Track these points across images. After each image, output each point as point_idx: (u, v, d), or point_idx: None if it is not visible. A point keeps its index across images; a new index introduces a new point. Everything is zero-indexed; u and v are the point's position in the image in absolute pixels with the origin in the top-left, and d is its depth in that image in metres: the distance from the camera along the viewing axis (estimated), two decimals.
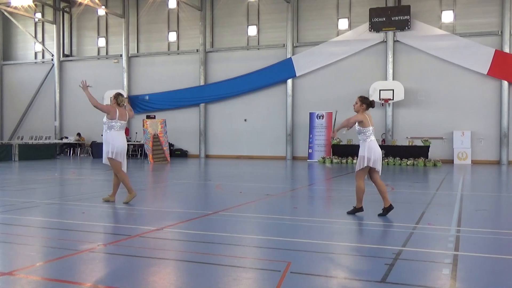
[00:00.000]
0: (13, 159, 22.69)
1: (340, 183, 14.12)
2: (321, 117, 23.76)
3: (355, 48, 24.08)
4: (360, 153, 7.71)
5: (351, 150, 22.24)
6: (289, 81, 25.22)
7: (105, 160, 8.95)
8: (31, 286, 4.22)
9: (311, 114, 23.91)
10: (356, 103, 7.81)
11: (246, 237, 6.32)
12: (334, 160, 21.99)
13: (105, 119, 8.86)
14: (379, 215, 7.71)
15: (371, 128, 7.70)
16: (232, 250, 5.63)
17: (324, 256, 5.34)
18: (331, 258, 5.29)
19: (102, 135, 9.14)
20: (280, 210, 8.44)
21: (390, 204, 7.71)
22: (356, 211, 7.85)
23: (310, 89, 25.00)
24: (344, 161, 21.86)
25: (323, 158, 22.52)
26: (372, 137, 7.75)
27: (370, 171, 7.80)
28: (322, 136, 23.66)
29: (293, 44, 25.17)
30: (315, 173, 17.63)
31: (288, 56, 25.17)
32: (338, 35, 24.69)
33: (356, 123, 7.74)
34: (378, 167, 7.70)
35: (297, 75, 25.07)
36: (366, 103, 7.78)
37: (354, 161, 21.57)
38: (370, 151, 7.62)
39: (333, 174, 16.89)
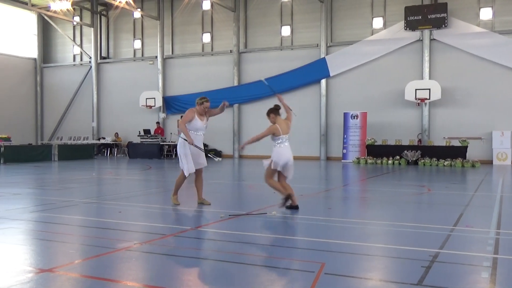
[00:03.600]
0: (52, 159, 23.35)
1: (375, 184, 13.93)
2: (355, 117, 23.51)
3: (390, 47, 23.73)
4: (272, 156, 8.01)
5: (386, 150, 21.97)
6: (323, 81, 25.05)
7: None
8: (70, 283, 4.33)
9: (345, 114, 23.69)
10: (268, 116, 8.12)
11: (280, 237, 6.32)
12: (369, 161, 21.71)
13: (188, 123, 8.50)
14: (287, 207, 8.05)
15: (283, 136, 7.95)
16: (265, 250, 5.63)
17: (359, 258, 5.28)
18: (366, 260, 5.23)
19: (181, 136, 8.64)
20: (314, 210, 8.39)
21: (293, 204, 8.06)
22: (287, 203, 7.97)
23: (344, 89, 24.77)
24: (379, 161, 21.56)
25: (358, 158, 22.28)
26: (285, 143, 7.98)
27: (279, 175, 8.12)
28: (357, 137, 23.40)
29: (326, 44, 24.99)
30: (349, 174, 17.45)
31: (322, 56, 25.01)
32: (372, 34, 24.38)
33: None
34: (286, 173, 8.00)
35: (331, 75, 24.89)
36: (270, 112, 8.08)
37: (390, 161, 21.29)
38: (279, 156, 7.89)
39: (367, 174, 16.69)
